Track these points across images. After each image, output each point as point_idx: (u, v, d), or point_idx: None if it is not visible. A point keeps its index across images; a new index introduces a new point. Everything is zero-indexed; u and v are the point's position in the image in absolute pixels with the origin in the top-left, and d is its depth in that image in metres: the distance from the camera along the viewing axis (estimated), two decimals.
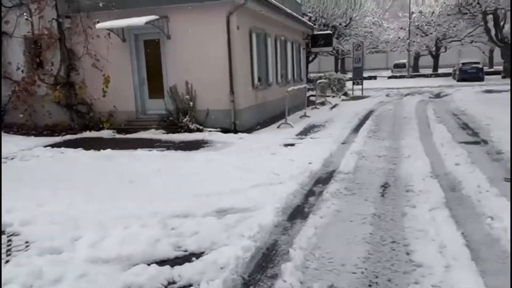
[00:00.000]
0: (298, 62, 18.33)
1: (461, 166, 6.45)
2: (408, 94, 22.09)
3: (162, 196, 5.24)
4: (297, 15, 16.27)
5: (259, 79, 12.58)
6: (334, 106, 17.70)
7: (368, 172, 6.51)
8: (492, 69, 37.39)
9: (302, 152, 8.14)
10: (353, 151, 7.99)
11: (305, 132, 10.88)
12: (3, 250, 3.88)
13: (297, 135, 10.43)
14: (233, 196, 5.11)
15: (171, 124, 11.06)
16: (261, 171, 6.42)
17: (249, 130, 11.12)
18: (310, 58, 32.32)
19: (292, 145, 9.08)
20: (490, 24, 28.65)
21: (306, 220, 4.44)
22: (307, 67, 24.07)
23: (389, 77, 39.55)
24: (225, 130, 10.71)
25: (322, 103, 18.28)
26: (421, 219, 4.28)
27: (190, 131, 10.70)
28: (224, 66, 10.69)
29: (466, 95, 18.45)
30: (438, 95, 20.69)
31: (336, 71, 39.52)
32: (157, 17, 10.59)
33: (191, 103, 10.92)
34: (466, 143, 8.48)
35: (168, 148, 9.08)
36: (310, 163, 7.07)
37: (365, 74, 39.18)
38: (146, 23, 10.20)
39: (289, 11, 14.48)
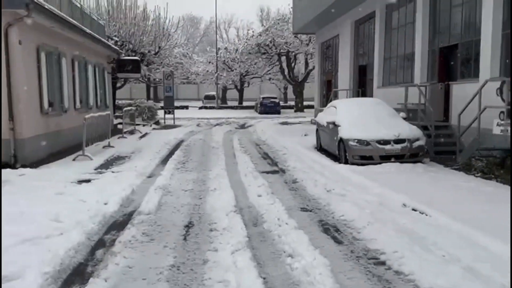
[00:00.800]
0: (103, 87, 16.88)
1: (262, 197, 6.49)
2: (217, 124, 22.91)
3: None
4: (99, 37, 14.99)
5: (51, 104, 10.82)
6: (144, 135, 16.82)
7: (172, 211, 5.92)
8: (287, 104, 42.65)
9: (99, 189, 7.03)
10: (158, 186, 7.32)
11: (106, 165, 9.70)
12: None
13: (96, 169, 9.18)
14: None
15: None
16: (38, 219, 5.10)
17: (36, 164, 9.28)
18: (119, 84, 30.72)
19: (87, 181, 7.85)
20: (284, 64, 32.72)
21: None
22: (114, 93, 22.59)
23: (200, 108, 40.92)
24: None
25: (131, 132, 17.17)
26: (223, 264, 3.87)
27: None
28: None
29: (266, 126, 20.12)
30: (243, 126, 22.05)
31: (148, 99, 38.74)
32: None
33: None
34: (267, 172, 8.83)
35: None
36: (105, 204, 6.07)
37: (178, 104, 39.65)
38: None
39: (89, 31, 13.17)
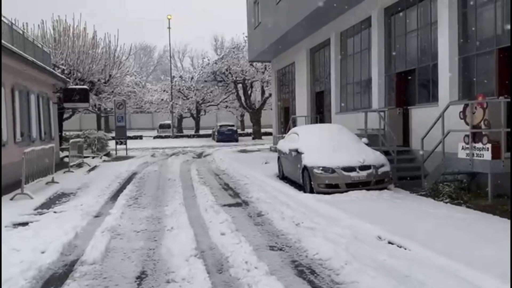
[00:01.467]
0: (47, 118, 15.69)
1: (226, 235, 5.84)
2: (173, 154, 22.02)
3: None
4: (44, 65, 13.98)
5: None
6: (93, 168, 15.69)
7: (121, 258, 5.13)
8: (244, 131, 42.40)
9: (37, 234, 6.10)
10: (106, 228, 6.48)
11: (48, 204, 8.67)
12: None
13: (36, 209, 8.16)
14: None
15: None
16: None
17: None
18: (67, 115, 29.20)
19: (25, 224, 6.86)
20: (241, 92, 32.56)
21: None
22: (61, 124, 21.24)
23: (155, 137, 39.73)
24: None
25: (79, 165, 15.98)
26: None
27: None
28: None
29: (225, 155, 19.52)
30: (200, 155, 21.33)
31: (99, 129, 37.09)
32: None
33: None
34: (229, 205, 8.19)
35: None
36: (43, 252, 5.19)
37: (131, 134, 38.30)
38: None
39: (30, 58, 12.18)
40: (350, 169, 8.69)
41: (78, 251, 5.45)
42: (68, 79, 18.19)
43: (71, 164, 14.50)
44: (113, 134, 24.58)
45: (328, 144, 9.49)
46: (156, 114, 48.06)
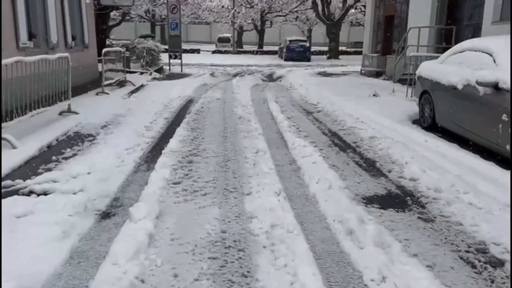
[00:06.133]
0: (78, 19, 11.71)
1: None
2: (237, 74, 17.65)
3: None
4: None
5: None
6: (137, 89, 11.89)
7: None
8: (313, 49, 36.74)
9: None
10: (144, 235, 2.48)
11: (33, 167, 4.83)
12: None
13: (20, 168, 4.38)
14: None
15: None
16: None
17: None
18: (116, 22, 25.36)
19: None
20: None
21: None
22: (104, 30, 17.36)
23: (213, 52, 35.28)
24: None
25: (121, 84, 12.19)
26: None
27: None
28: None
29: (304, 79, 14.86)
30: (271, 77, 16.81)
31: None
32: None
33: None
34: (381, 205, 3.85)
35: None
36: None
37: (187, 47, 34.06)
38: None
39: None
40: None
41: None
42: None
43: (105, 83, 10.61)
44: (168, 46, 20.44)
45: None
46: (214, 25, 43.12)
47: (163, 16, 31.79)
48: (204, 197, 3.90)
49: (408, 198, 3.99)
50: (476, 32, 10.84)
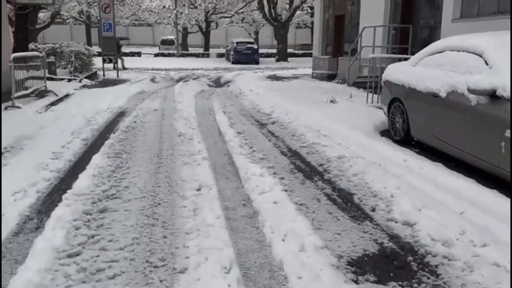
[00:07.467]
0: None
1: None
2: (180, 80, 16.13)
3: None
4: None
5: None
6: (60, 100, 10.18)
7: None
8: (261, 51, 35.83)
9: None
10: None
11: None
12: None
13: None
14: None
15: None
16: None
17: None
18: (45, 24, 23.00)
19: None
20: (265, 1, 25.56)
21: None
22: (24, 32, 15.23)
23: (156, 55, 33.31)
24: None
25: (40, 94, 10.35)
26: None
27: None
28: None
29: (254, 83, 13.68)
30: (218, 82, 15.47)
31: (89, 43, 30.65)
32: None
33: None
34: (362, 267, 2.72)
35: None
36: None
37: (128, 50, 31.84)
38: None
39: None
40: None
41: None
42: None
43: (15, 95, 8.77)
44: (101, 49, 18.45)
45: None
46: (157, 27, 41.02)
47: (99, 18, 29.46)
48: (113, 282, 2.51)
49: (410, 258, 2.85)
50: (433, 31, 10.19)
